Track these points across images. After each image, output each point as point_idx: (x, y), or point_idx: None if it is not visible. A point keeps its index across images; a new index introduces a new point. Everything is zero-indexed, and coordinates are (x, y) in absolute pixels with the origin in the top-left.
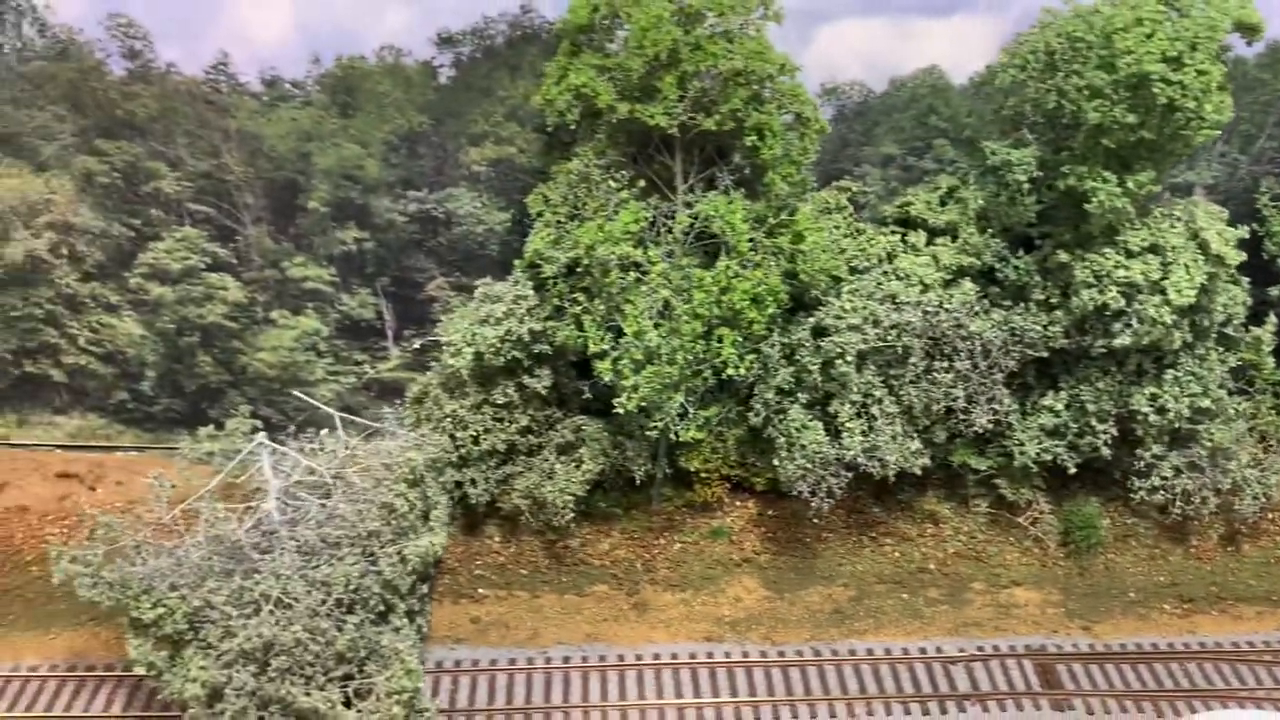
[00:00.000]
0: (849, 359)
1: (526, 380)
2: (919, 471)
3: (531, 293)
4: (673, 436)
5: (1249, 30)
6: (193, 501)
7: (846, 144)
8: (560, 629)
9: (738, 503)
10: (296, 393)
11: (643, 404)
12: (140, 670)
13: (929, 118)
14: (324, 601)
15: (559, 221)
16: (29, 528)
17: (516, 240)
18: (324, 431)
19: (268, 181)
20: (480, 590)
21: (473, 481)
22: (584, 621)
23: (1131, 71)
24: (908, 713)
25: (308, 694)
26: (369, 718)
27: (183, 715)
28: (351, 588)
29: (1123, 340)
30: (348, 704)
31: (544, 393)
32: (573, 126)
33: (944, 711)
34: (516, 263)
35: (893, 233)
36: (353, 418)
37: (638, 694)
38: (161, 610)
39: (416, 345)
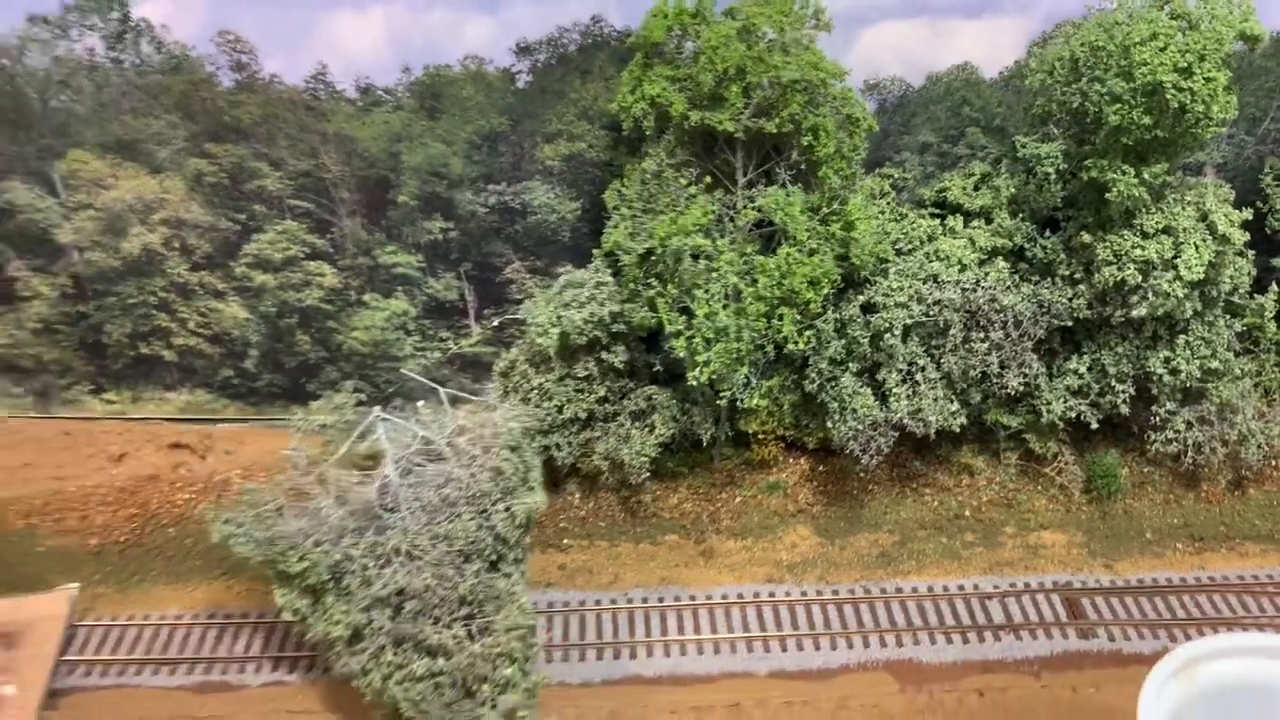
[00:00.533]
0: (896, 332)
1: (604, 355)
2: (956, 429)
3: (610, 279)
4: (738, 404)
5: (1251, 40)
6: (325, 468)
7: (887, 134)
8: (637, 574)
9: (791, 460)
10: (405, 371)
11: (713, 376)
12: (287, 615)
13: (962, 108)
14: (447, 553)
15: (634, 216)
16: (161, 494)
17: (585, 226)
18: (420, 403)
19: (361, 178)
20: (565, 541)
21: (557, 446)
22: (658, 567)
23: (1147, 80)
24: (950, 642)
25: (438, 632)
26: (491, 650)
27: (322, 653)
28: (469, 540)
29: (1139, 311)
30: (471, 639)
31: (619, 366)
32: (646, 132)
33: (981, 640)
34: (595, 251)
35: (932, 216)
36: (438, 387)
37: (710, 628)
38: (307, 563)
39: (495, 323)
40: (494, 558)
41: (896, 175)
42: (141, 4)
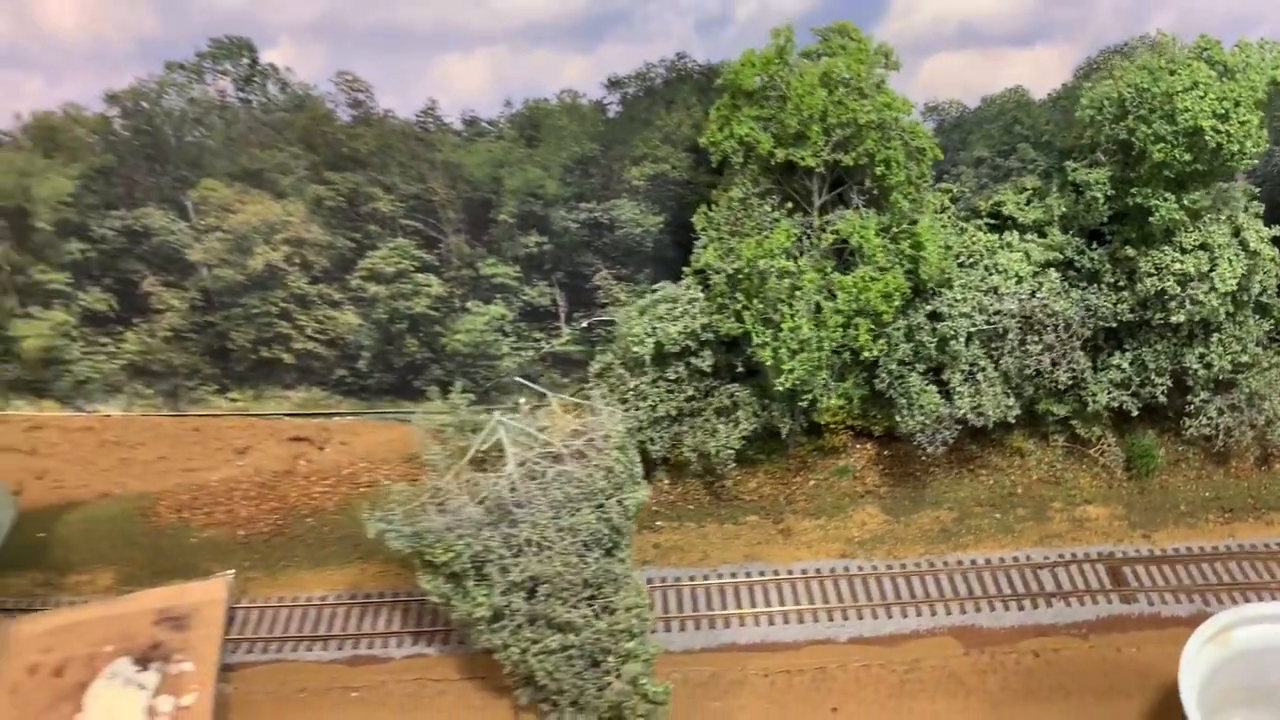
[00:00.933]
0: (960, 339)
1: (693, 360)
2: (1011, 420)
3: (700, 295)
4: (821, 406)
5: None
6: (458, 468)
7: (945, 149)
8: (724, 551)
9: (859, 446)
10: (520, 380)
11: (796, 383)
12: (434, 599)
13: (1014, 126)
14: (571, 543)
15: (721, 238)
16: (298, 488)
17: (666, 237)
18: (522, 400)
19: (466, 200)
20: (658, 523)
21: (651, 440)
22: (742, 545)
23: (1189, 124)
24: (1006, 609)
25: (567, 611)
26: (614, 626)
27: (461, 630)
28: (590, 532)
29: (1178, 318)
30: (596, 617)
31: (706, 369)
32: (735, 165)
33: (1035, 606)
34: (685, 269)
35: (989, 228)
36: (530, 384)
37: (793, 600)
38: (451, 554)
39: (584, 324)
40: (609, 545)
41: (955, 190)
42: (268, 50)
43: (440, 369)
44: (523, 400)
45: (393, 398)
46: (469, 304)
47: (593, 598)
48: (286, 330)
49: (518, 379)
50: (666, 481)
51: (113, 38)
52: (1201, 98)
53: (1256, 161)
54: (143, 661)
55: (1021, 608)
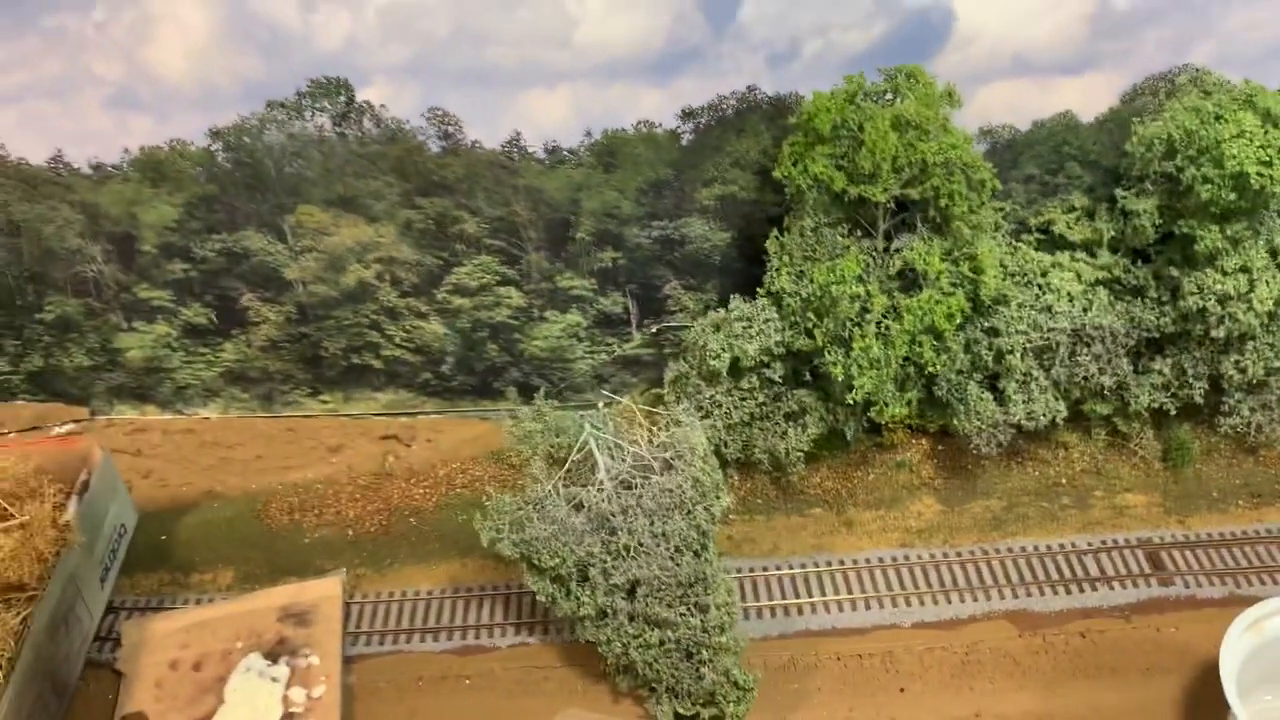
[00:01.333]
0: (1016, 353)
1: (766, 372)
2: (1059, 422)
3: (775, 315)
4: (885, 413)
5: None
6: (555, 483)
7: (998, 168)
8: (792, 543)
9: (914, 442)
10: (605, 392)
11: (866, 397)
12: (541, 599)
13: (1063, 147)
14: (666, 548)
15: (794, 263)
16: (400, 489)
17: (733, 251)
18: (601, 405)
19: (546, 221)
20: (730, 516)
21: (725, 444)
22: (808, 536)
23: (1235, 169)
24: (1055, 593)
25: (665, 610)
26: (709, 623)
27: (564, 624)
28: (682, 538)
29: (1218, 333)
30: (691, 614)
31: (777, 379)
32: (808, 199)
33: (1081, 591)
34: (759, 290)
35: (1039, 244)
36: (608, 394)
37: (859, 588)
38: (558, 559)
39: (654, 330)
40: (698, 548)
41: (1007, 206)
42: (364, 89)
43: (518, 371)
44: (601, 405)
45: (474, 398)
46: (547, 313)
47: (685, 596)
48: (376, 339)
49: (604, 390)
50: (736, 478)
51: (218, 80)
52: (1248, 144)
53: None
54: (272, 656)
55: (1069, 591)
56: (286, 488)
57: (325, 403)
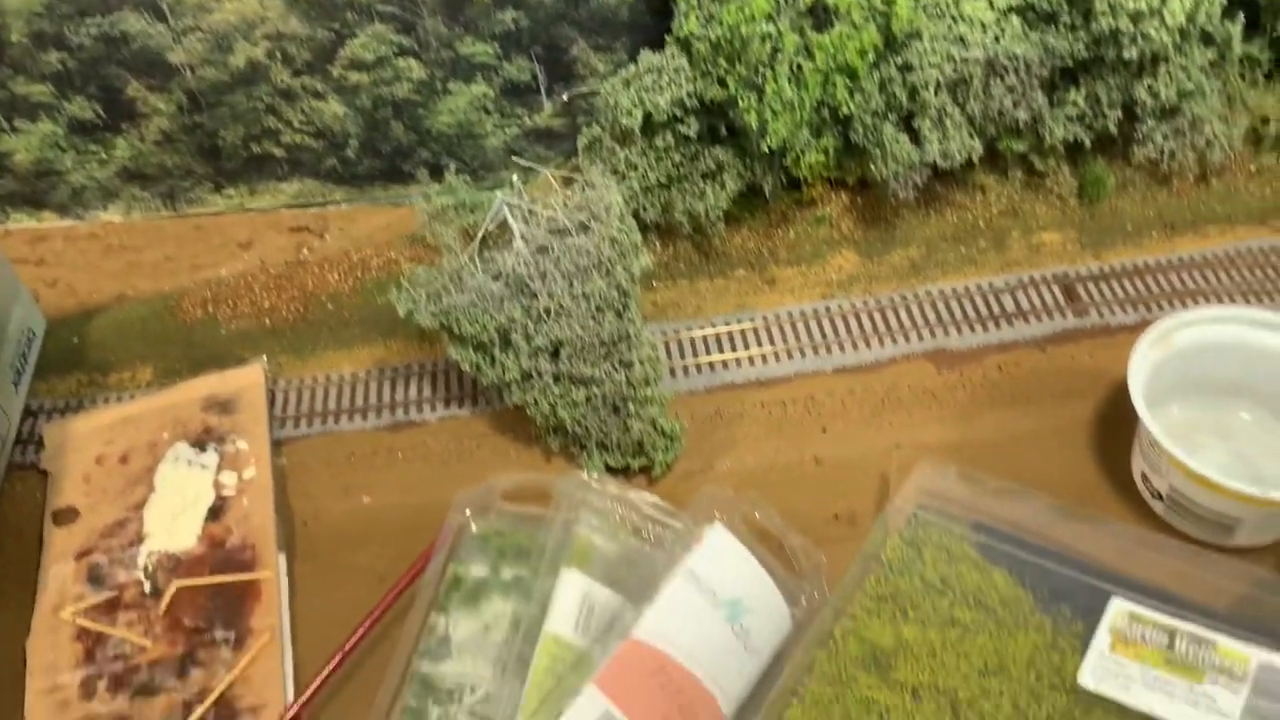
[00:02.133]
0: (930, 88)
1: (680, 127)
2: (975, 160)
3: (685, 64)
4: (801, 162)
5: None
6: (471, 249)
7: None
8: (716, 304)
9: (833, 196)
10: (518, 160)
11: (781, 143)
12: (464, 368)
13: None
14: (587, 308)
15: (701, 5)
16: (315, 277)
17: (640, 4)
18: (515, 177)
19: None
20: (654, 283)
21: (643, 208)
22: (732, 296)
23: None
24: (973, 331)
25: (590, 368)
26: (634, 378)
27: (491, 392)
28: (602, 297)
29: (1130, 54)
30: (616, 370)
31: (691, 135)
32: None
33: (998, 327)
34: (668, 38)
35: None
36: (524, 162)
37: (782, 341)
38: (478, 326)
39: (565, 98)
40: (620, 307)
41: None
42: None
43: (427, 151)
44: (515, 177)
45: (383, 182)
46: (450, 85)
47: (609, 354)
48: (274, 125)
49: (516, 158)
50: (659, 244)
51: None
52: None
53: None
54: (199, 444)
55: (986, 329)
56: (199, 285)
57: (230, 197)
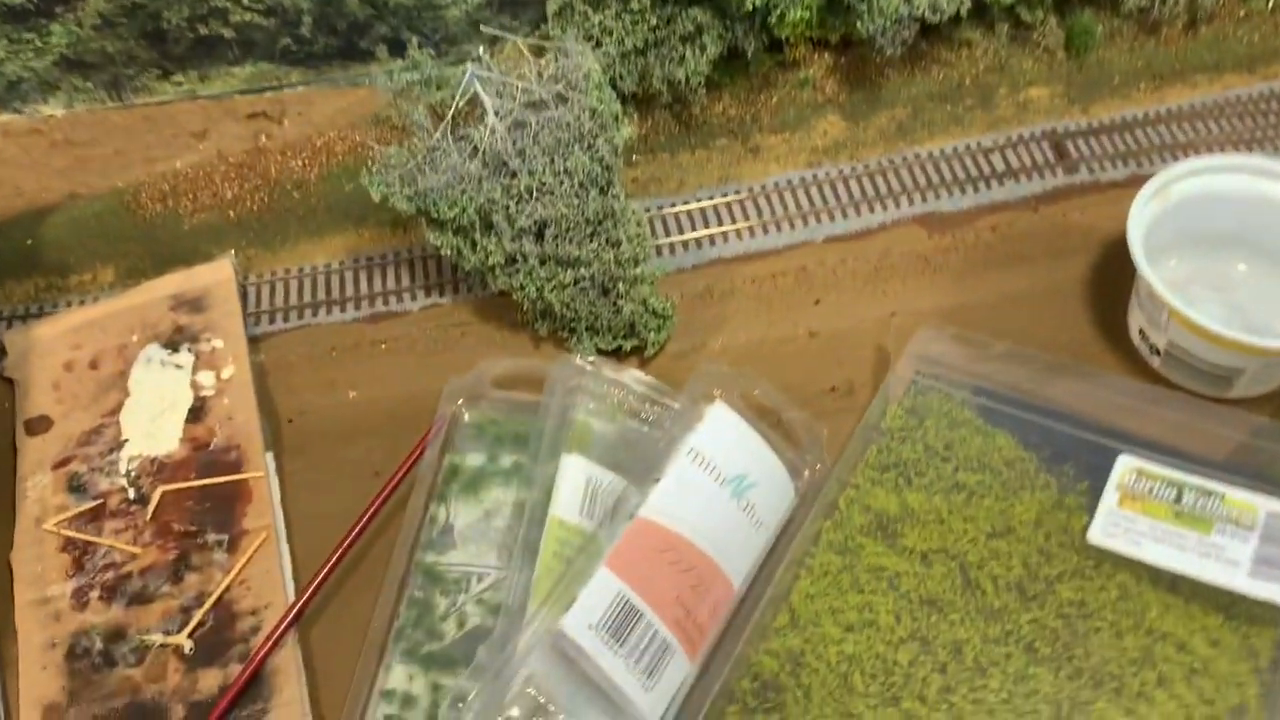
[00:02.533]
0: None
1: None
2: (963, 14)
3: None
4: (785, 20)
5: None
6: (443, 130)
7: None
8: (699, 176)
9: (817, 58)
10: (486, 29)
11: (766, 1)
12: (445, 253)
13: None
14: (570, 185)
15: None
16: (277, 164)
17: None
18: (481, 49)
19: None
20: (634, 157)
21: (620, 76)
22: (715, 168)
23: None
24: (963, 193)
25: (576, 249)
26: (622, 257)
27: (474, 278)
28: (585, 172)
29: None
30: (604, 249)
31: None
32: None
33: (989, 188)
34: None
35: None
36: (491, 30)
37: (770, 212)
38: (457, 209)
39: None
40: (604, 184)
41: None
42: None
43: (385, 26)
44: (482, 48)
45: (341, 61)
46: None
47: (595, 233)
48: (221, 4)
49: (486, 28)
50: (637, 116)
51: None
52: None
53: None
54: (171, 345)
55: (976, 190)
56: (155, 178)
57: (179, 84)
